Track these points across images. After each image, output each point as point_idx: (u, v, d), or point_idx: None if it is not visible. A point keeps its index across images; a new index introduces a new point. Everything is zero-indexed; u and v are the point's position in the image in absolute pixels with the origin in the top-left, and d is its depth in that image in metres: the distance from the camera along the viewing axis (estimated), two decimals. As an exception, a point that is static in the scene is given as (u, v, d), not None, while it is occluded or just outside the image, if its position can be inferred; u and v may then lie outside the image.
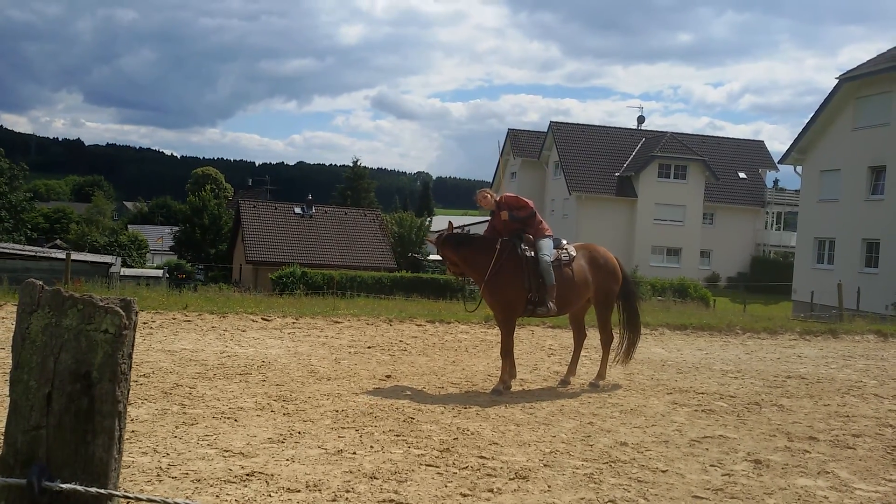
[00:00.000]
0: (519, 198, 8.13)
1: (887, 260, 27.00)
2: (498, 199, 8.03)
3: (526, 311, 7.93)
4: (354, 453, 5.12)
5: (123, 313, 1.66)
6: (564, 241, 8.23)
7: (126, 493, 1.54)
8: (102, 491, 1.57)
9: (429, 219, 54.74)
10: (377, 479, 4.59)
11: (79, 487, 1.56)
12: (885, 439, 6.41)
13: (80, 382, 1.61)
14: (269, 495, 4.22)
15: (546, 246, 7.86)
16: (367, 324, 12.09)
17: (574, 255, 8.09)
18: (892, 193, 27.07)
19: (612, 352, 8.44)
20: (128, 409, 5.72)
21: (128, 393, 1.67)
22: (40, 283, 1.65)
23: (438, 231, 8.79)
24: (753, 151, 53.52)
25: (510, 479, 4.73)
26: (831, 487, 4.99)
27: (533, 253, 7.80)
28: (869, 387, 9.02)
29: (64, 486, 1.56)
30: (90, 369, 1.62)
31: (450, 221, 8.59)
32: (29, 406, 1.62)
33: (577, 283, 7.98)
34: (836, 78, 29.76)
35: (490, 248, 7.80)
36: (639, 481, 4.87)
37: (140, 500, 1.65)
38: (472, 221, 57.17)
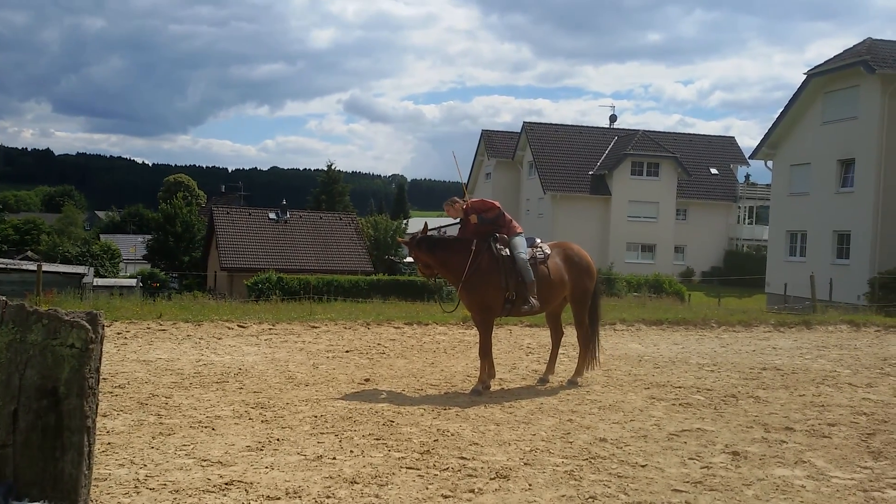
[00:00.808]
0: (485, 200, 8.18)
1: (858, 251, 27.41)
2: (465, 206, 8.06)
3: (504, 311, 7.95)
4: (334, 458, 5.09)
5: (90, 327, 1.62)
6: (538, 240, 8.26)
7: (96, 510, 1.51)
8: (72, 508, 1.53)
9: (405, 221, 54.66)
10: (358, 483, 4.57)
11: (48, 505, 1.52)
12: (860, 427, 6.50)
13: (46, 399, 1.58)
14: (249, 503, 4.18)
15: (520, 243, 7.90)
16: (345, 328, 12.04)
17: (549, 253, 8.13)
18: (862, 186, 27.48)
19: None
20: (104, 421, 5.62)
21: (96, 407, 1.64)
22: (3, 298, 1.62)
23: (413, 233, 8.76)
24: (724, 147, 54.07)
25: (491, 479, 4.73)
26: (808, 476, 5.05)
27: (508, 252, 7.82)
28: (843, 376, 9.14)
29: (32, 504, 1.52)
30: (57, 385, 1.58)
31: (425, 223, 8.57)
32: (-6, 424, 1.58)
33: (553, 281, 8.02)
34: (805, 73, 30.19)
35: (466, 250, 7.80)
36: (619, 476, 4.89)
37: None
38: (448, 223, 57.10)
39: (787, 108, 31.09)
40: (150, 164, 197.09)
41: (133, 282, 35.37)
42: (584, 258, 8.42)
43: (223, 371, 8.29)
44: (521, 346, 11.00)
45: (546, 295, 8.00)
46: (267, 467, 4.86)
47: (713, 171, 51.52)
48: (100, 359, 1.64)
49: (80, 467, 1.61)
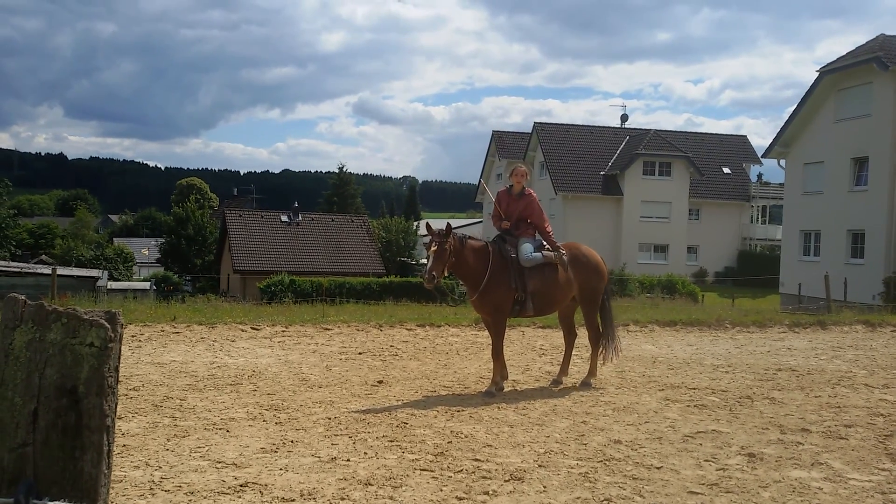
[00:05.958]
0: (536, 213, 8.13)
1: (873, 250, 27.18)
2: (527, 192, 8.09)
3: (513, 312, 7.93)
4: (348, 460, 5.09)
5: (109, 326, 1.63)
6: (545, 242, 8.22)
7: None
8: (92, 507, 1.54)
9: (416, 223, 54.65)
10: (372, 485, 4.56)
11: (68, 505, 1.53)
12: (877, 429, 6.44)
13: (66, 397, 1.59)
14: (264, 505, 4.18)
15: (526, 248, 7.89)
16: (358, 330, 12.05)
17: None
18: (876, 184, 27.26)
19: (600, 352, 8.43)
20: (118, 423, 5.61)
21: (115, 407, 1.65)
22: (23, 297, 1.62)
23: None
24: (737, 146, 53.79)
25: (505, 481, 4.72)
26: (825, 478, 5.00)
27: (515, 254, 7.82)
28: (859, 377, 9.06)
29: (52, 503, 1.53)
30: (76, 384, 1.59)
31: (448, 223, 8.44)
32: (14, 423, 1.59)
33: (559, 282, 7.99)
34: (817, 71, 29.96)
35: (486, 253, 7.77)
36: (634, 479, 4.86)
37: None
38: (463, 223, 57.12)
39: (799, 106, 30.87)
40: (163, 168, 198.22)
41: (147, 285, 35.55)
42: (591, 258, 8.37)
43: (237, 373, 8.32)
44: (534, 347, 10.98)
45: (552, 297, 7.97)
46: (281, 469, 4.86)
47: (726, 170, 51.25)
48: (119, 358, 1.64)
49: (100, 466, 1.61)
